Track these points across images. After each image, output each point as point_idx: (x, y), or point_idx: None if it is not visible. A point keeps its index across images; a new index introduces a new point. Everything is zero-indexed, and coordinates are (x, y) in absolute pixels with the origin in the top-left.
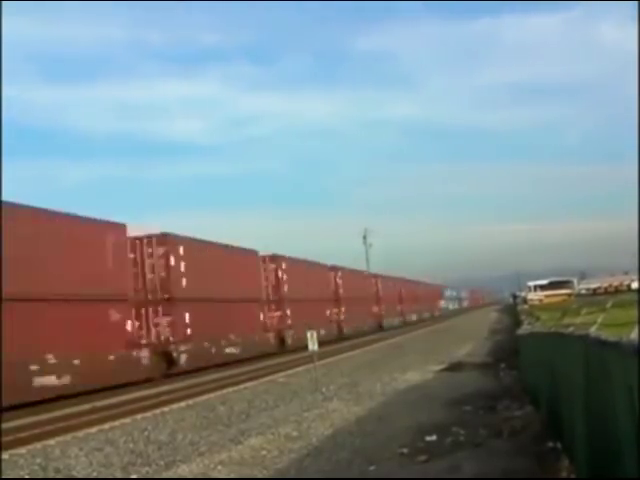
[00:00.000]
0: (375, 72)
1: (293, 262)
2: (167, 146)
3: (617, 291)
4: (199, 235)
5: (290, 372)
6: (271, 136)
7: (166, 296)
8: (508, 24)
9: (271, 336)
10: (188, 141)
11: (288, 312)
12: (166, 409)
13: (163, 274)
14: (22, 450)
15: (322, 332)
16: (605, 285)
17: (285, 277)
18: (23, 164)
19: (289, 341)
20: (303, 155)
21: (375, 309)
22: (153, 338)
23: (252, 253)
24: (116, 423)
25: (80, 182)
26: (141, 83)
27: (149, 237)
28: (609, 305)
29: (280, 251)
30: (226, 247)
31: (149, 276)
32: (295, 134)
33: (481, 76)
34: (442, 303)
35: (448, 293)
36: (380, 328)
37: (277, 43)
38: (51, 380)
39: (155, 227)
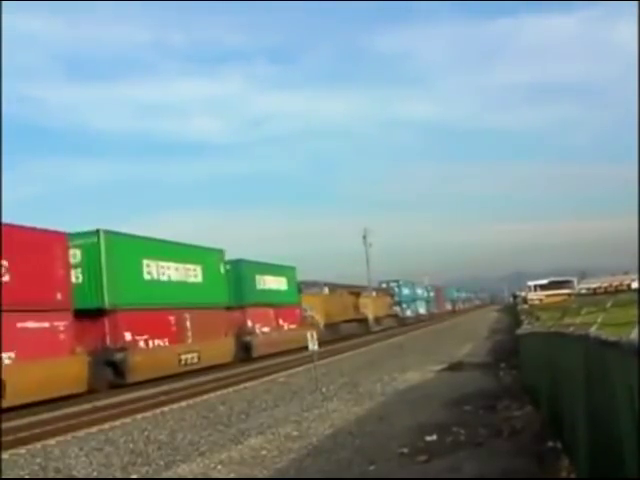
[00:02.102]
0: (392, 72)
1: None
2: (183, 145)
3: (617, 291)
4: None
5: (290, 372)
6: (287, 136)
7: None
8: (526, 24)
9: None
10: (205, 140)
11: None
12: (166, 409)
13: None
14: (22, 450)
15: None
16: (605, 285)
17: None
18: (39, 163)
19: None
20: (318, 155)
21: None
22: None
23: None
24: (116, 423)
25: (96, 181)
26: (161, 83)
27: None
28: (609, 305)
29: (288, 251)
30: None
31: None
32: (311, 134)
33: (496, 76)
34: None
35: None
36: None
37: (297, 43)
38: None
39: None
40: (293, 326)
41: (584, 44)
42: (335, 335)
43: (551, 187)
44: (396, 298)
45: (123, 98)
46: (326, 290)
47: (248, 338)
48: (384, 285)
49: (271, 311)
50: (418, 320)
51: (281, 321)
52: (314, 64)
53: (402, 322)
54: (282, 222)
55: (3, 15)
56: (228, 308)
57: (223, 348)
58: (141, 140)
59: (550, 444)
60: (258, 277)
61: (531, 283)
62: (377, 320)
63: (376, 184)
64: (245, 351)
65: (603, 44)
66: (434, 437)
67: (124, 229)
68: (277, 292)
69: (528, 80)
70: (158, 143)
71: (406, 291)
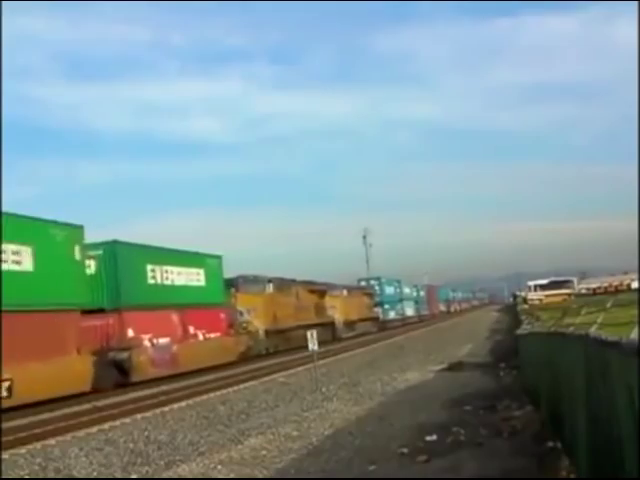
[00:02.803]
0: (392, 72)
1: None
2: (184, 145)
3: (617, 291)
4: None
5: (290, 372)
6: (288, 136)
7: None
8: (526, 24)
9: None
10: (206, 140)
11: None
12: (166, 409)
13: None
14: (22, 450)
15: None
16: (605, 285)
17: None
18: (40, 163)
19: None
20: (318, 155)
21: None
22: None
23: None
24: (116, 423)
25: (97, 181)
26: (162, 83)
27: None
28: (609, 305)
29: (288, 251)
30: None
31: None
32: (311, 134)
33: (496, 76)
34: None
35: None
36: None
37: (298, 43)
38: None
39: None
40: (214, 335)
41: (584, 44)
42: (284, 345)
43: (551, 187)
44: (377, 298)
45: (124, 98)
46: (270, 288)
47: (124, 355)
48: (363, 283)
49: (174, 315)
50: (404, 324)
51: (193, 329)
52: (314, 64)
53: (382, 326)
54: (282, 222)
55: (3, 15)
56: (89, 312)
57: (67, 372)
58: (142, 140)
59: (550, 444)
60: (152, 267)
61: (531, 283)
62: (349, 324)
63: (376, 184)
64: (120, 374)
65: (603, 44)
66: (434, 437)
67: (124, 229)
68: (187, 289)
69: (528, 80)
70: (159, 143)
71: (389, 290)
